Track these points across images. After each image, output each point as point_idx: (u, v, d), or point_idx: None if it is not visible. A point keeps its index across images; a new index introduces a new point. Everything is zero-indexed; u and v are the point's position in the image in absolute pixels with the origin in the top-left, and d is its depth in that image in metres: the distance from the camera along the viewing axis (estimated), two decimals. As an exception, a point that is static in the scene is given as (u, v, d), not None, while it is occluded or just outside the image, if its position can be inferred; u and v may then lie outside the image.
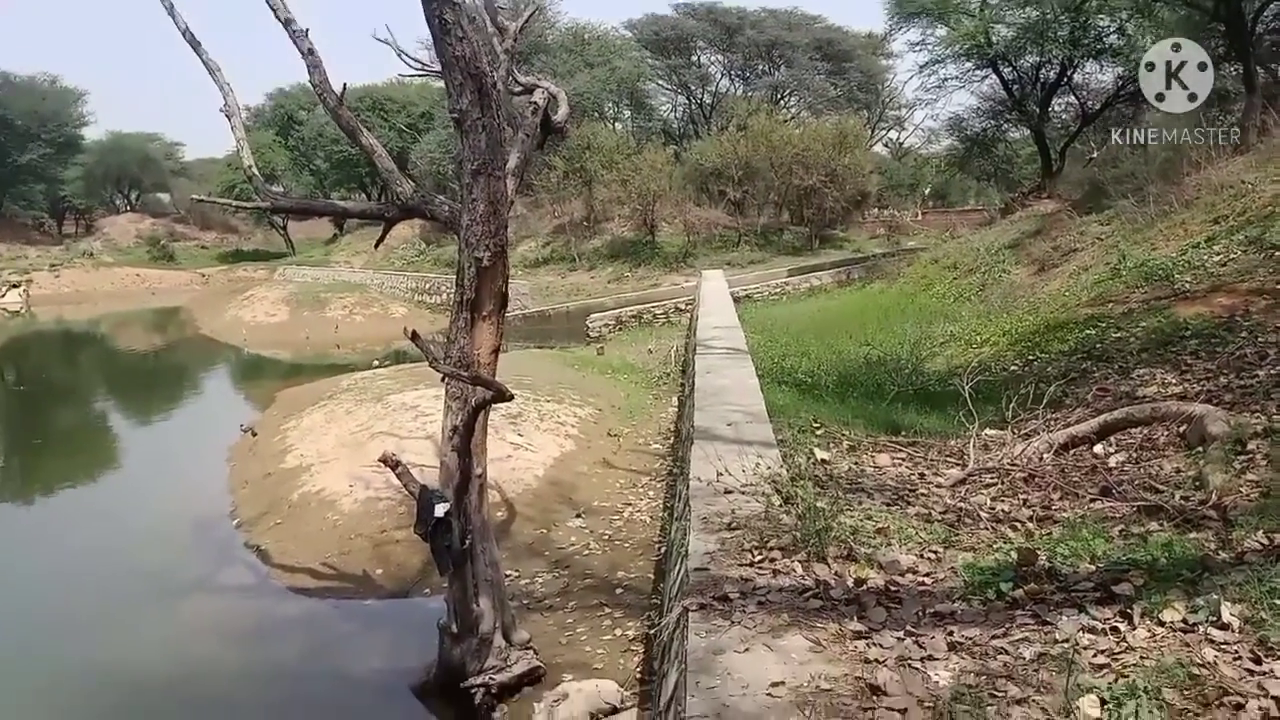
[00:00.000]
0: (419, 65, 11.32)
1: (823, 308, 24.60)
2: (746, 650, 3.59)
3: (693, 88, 57.66)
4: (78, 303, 49.94)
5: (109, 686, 7.65)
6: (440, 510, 6.35)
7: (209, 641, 8.33)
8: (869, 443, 8.07)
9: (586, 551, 9.49)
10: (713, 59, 58.02)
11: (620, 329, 25.99)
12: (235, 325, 34.60)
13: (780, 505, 5.30)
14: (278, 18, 6.93)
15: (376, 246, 12.57)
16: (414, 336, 6.01)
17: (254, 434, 15.11)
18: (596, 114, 49.96)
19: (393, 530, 9.89)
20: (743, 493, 5.67)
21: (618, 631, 7.47)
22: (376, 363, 22.24)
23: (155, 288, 55.73)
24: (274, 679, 7.67)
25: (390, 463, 6.68)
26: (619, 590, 8.36)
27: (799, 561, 4.49)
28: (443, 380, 6.62)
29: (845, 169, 37.63)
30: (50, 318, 45.48)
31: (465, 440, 6.33)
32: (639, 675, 6.64)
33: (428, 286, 38.64)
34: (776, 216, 41.47)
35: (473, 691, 6.54)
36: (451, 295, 7.13)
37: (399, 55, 10.24)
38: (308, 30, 6.95)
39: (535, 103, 8.05)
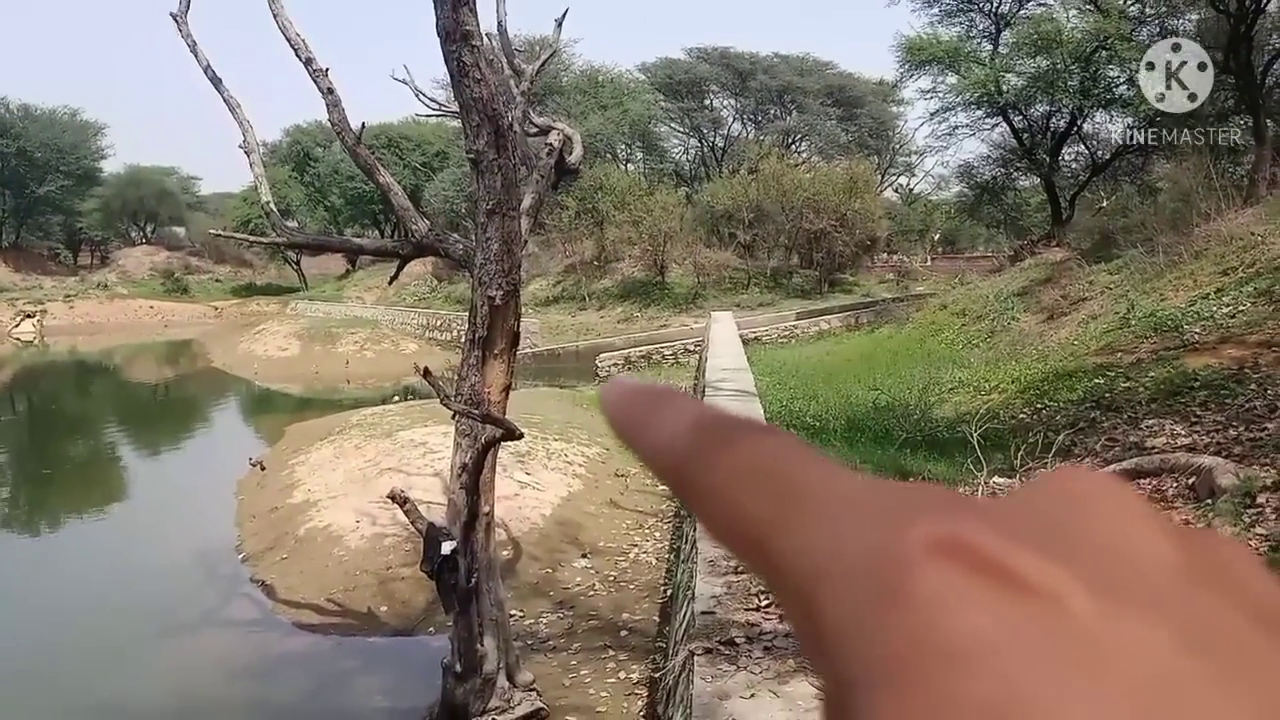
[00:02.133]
0: (436, 105, 11.51)
1: (831, 351, 24.65)
2: (752, 696, 3.58)
3: (705, 131, 58.20)
4: (91, 334, 50.23)
5: (113, 710, 7.62)
6: (447, 548, 6.35)
7: (212, 676, 8.30)
8: (877, 488, 8.04)
9: (592, 592, 9.45)
10: (725, 103, 58.66)
11: (629, 369, 26.05)
12: (247, 359, 34.73)
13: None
14: (298, 56, 7.05)
15: (391, 283, 12.68)
16: (426, 373, 6.07)
17: (262, 468, 15.11)
18: (609, 155, 50.42)
19: (399, 567, 9.87)
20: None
21: (622, 674, 7.43)
22: (398, 398, 22.29)
23: (169, 320, 56.05)
24: (276, 716, 7.64)
25: (398, 499, 6.69)
26: (624, 632, 8.32)
27: (806, 607, 4.48)
28: (453, 417, 6.65)
29: (855, 214, 37.82)
30: (63, 348, 45.73)
31: (474, 478, 6.35)
32: None
33: (439, 323, 38.81)
34: (786, 260, 41.66)
35: (475, 732, 6.50)
36: (462, 332, 7.19)
37: (417, 96, 10.44)
38: (327, 70, 7.06)
39: (551, 144, 8.15)
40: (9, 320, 50.62)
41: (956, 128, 33.87)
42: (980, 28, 31.78)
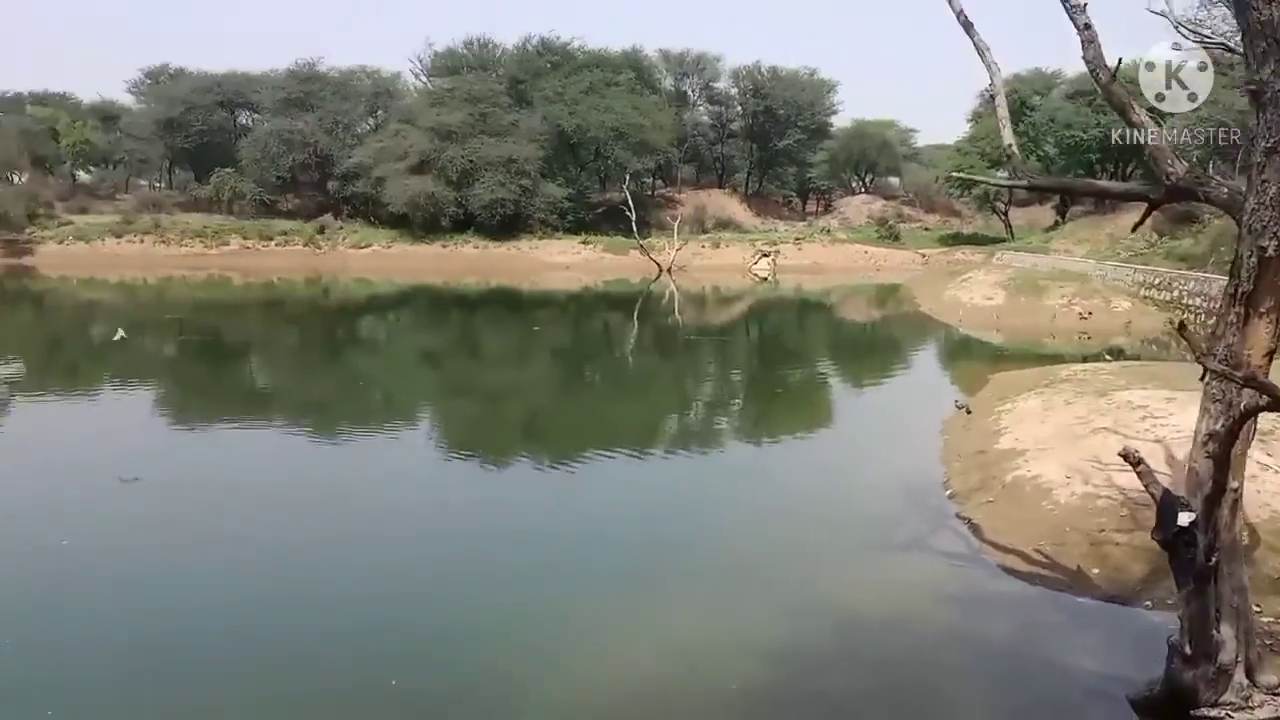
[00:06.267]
0: (1197, 38, 10.44)
1: None
2: None
3: None
4: (813, 274, 55.66)
5: (834, 609, 8.49)
6: (1184, 519, 5.87)
7: (919, 596, 8.83)
8: None
9: (1352, 602, 8.01)
10: None
11: None
12: (952, 305, 35.48)
13: None
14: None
15: (1134, 230, 12.03)
16: (1181, 328, 5.61)
17: (969, 411, 15.43)
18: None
19: (1112, 531, 9.38)
20: None
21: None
22: (1109, 356, 21.13)
23: (880, 265, 59.56)
24: (980, 648, 7.85)
25: (1132, 459, 6.30)
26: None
27: None
28: (1202, 378, 6.08)
29: None
30: (790, 285, 51.35)
31: (1224, 448, 5.75)
32: None
33: (1157, 281, 35.42)
34: None
35: (1203, 722, 5.98)
36: (1185, 292, 6.49)
37: (1175, 27, 9.59)
38: (1085, 5, 6.84)
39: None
40: (749, 258, 58.28)
41: None
42: None
